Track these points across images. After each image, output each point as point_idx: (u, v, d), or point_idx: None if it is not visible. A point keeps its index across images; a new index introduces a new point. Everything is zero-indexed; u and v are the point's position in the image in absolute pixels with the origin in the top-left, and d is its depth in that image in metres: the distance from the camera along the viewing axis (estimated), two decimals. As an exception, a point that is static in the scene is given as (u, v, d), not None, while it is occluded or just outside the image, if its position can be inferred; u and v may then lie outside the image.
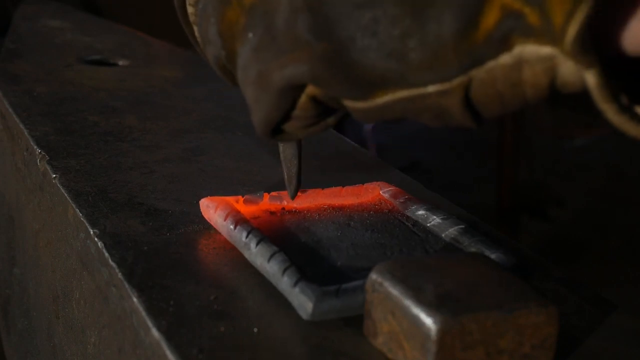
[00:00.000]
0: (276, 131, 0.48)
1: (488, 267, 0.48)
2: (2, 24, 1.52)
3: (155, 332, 0.48)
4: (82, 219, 0.62)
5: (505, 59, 0.39)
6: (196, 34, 0.53)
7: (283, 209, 0.62)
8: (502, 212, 2.48)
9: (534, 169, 2.93)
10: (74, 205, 0.64)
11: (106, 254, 0.57)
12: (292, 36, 0.43)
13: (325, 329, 0.49)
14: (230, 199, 0.61)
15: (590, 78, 0.38)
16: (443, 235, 0.60)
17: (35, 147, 0.77)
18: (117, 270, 0.55)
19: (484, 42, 0.39)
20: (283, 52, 0.44)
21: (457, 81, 0.40)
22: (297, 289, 0.51)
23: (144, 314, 0.50)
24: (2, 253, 0.94)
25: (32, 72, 1.07)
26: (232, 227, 0.57)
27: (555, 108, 0.46)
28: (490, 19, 0.39)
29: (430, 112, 0.43)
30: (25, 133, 0.80)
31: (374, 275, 0.47)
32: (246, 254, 0.56)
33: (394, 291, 0.46)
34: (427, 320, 0.44)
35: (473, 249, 0.58)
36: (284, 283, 0.52)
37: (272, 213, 0.62)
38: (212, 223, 0.60)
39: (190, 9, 0.53)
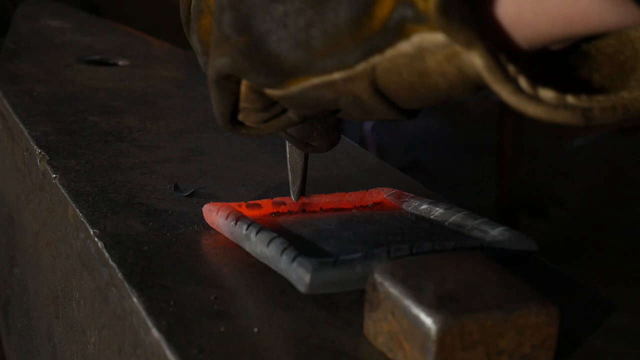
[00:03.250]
0: (237, 123, 0.51)
1: (488, 267, 0.48)
2: (2, 24, 1.52)
3: (155, 332, 0.48)
4: (82, 219, 0.62)
5: (404, 47, 0.41)
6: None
7: (287, 211, 0.62)
8: (502, 212, 2.48)
9: (534, 169, 2.92)
10: (74, 205, 0.64)
11: (106, 254, 0.57)
12: (220, 32, 0.46)
13: (325, 329, 0.49)
14: (233, 204, 0.61)
15: (476, 59, 0.38)
16: (446, 223, 0.60)
17: (35, 147, 0.77)
18: (117, 270, 0.55)
19: (379, 31, 0.41)
20: (214, 47, 0.47)
21: (360, 68, 0.42)
22: (295, 264, 0.51)
23: (144, 314, 0.50)
24: (2, 253, 0.94)
25: (32, 72, 1.07)
26: (233, 223, 0.57)
27: None
28: (385, 8, 0.40)
29: (345, 100, 0.45)
30: (25, 133, 0.80)
31: (374, 275, 0.47)
32: (247, 246, 0.56)
33: (394, 291, 0.46)
34: (427, 320, 0.44)
35: (476, 231, 0.58)
36: (283, 262, 0.52)
37: (274, 214, 0.62)
38: (214, 226, 0.60)
39: None
